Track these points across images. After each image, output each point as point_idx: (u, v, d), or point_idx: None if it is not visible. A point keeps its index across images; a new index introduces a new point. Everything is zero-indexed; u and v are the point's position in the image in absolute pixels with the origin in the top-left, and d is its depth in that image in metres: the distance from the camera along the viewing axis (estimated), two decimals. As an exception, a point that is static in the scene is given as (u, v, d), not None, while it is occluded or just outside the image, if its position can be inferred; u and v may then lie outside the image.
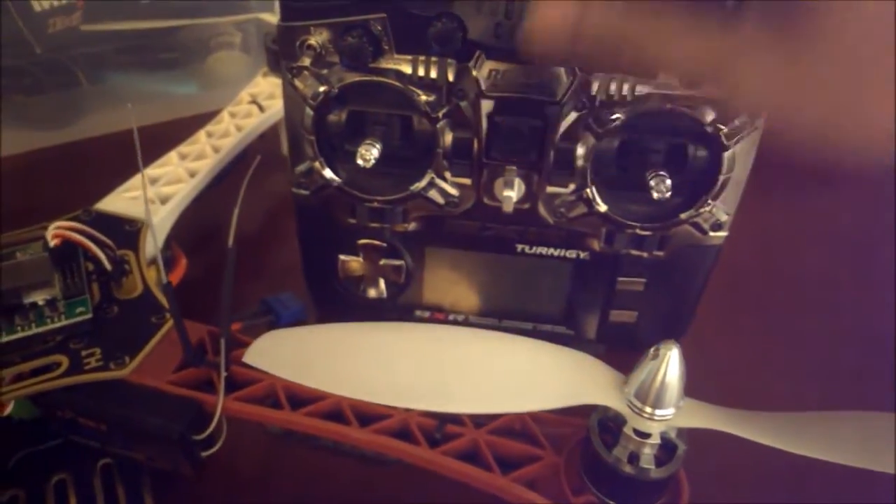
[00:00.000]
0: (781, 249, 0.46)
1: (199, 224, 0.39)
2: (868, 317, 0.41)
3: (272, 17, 0.46)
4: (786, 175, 0.52)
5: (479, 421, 0.27)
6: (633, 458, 0.23)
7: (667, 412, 0.22)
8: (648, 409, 0.22)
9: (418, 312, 0.37)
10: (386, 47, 0.28)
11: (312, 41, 0.28)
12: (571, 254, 0.33)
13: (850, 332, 0.40)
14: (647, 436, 0.22)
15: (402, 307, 0.36)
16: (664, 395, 0.22)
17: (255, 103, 0.43)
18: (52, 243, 0.30)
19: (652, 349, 0.21)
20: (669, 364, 0.21)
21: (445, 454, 0.26)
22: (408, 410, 0.27)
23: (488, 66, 0.27)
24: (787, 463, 0.23)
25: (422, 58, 0.28)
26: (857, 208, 0.50)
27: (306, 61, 0.28)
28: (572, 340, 0.31)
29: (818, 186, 0.52)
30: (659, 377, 0.21)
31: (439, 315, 0.37)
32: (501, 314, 0.37)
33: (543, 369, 0.23)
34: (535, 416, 0.27)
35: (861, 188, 0.52)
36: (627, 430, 0.22)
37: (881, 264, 0.45)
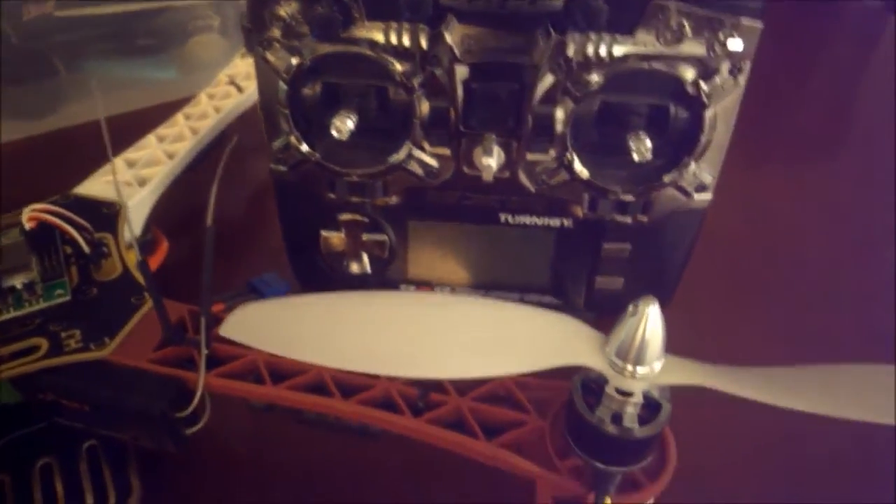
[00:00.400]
0: (782, 243, 0.45)
1: (180, 207, 0.39)
2: (868, 313, 0.40)
3: (250, -1, 0.45)
4: (784, 165, 0.52)
5: (463, 388, 0.27)
6: (617, 418, 0.22)
7: (648, 369, 0.22)
8: (630, 367, 0.22)
9: (403, 287, 0.37)
10: (356, 15, 0.27)
11: (281, 12, 0.27)
12: (555, 222, 0.33)
13: (852, 327, 0.39)
14: (630, 395, 0.22)
15: (386, 282, 0.36)
16: (645, 353, 0.21)
17: (234, 84, 0.43)
18: (28, 226, 0.30)
19: (630, 306, 0.21)
20: (649, 320, 0.21)
21: (430, 422, 0.26)
22: (390, 380, 0.27)
23: (460, 30, 0.27)
24: (780, 421, 0.22)
25: (394, 24, 0.27)
26: (857, 204, 0.49)
27: (276, 33, 0.28)
28: (560, 309, 0.31)
29: (817, 179, 0.51)
30: (639, 334, 0.21)
31: (425, 289, 0.36)
32: (488, 286, 0.36)
33: (522, 332, 0.23)
34: (519, 382, 0.27)
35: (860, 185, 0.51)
36: (609, 389, 0.22)
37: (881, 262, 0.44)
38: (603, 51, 0.27)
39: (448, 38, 0.27)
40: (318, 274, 0.36)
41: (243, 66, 0.44)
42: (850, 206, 0.48)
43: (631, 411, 0.22)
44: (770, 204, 0.47)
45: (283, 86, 0.29)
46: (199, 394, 0.26)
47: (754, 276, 0.42)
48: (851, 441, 0.31)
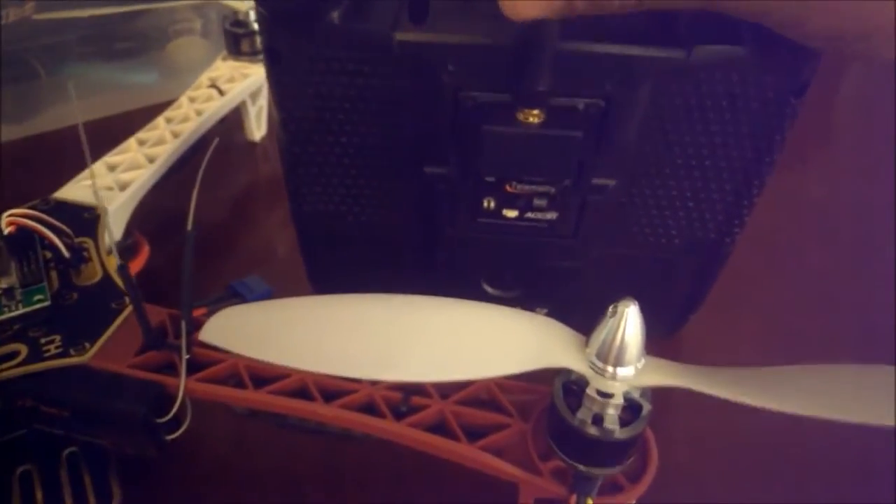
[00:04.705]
0: (781, 246, 0.45)
1: (161, 211, 0.39)
2: (868, 316, 0.40)
3: (232, 2, 0.45)
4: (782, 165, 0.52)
5: (445, 392, 0.27)
6: (598, 420, 0.22)
7: (628, 370, 0.22)
8: (610, 369, 0.22)
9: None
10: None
11: None
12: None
13: (851, 331, 0.39)
14: (610, 396, 0.22)
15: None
16: (624, 354, 0.21)
17: (215, 87, 0.42)
18: (7, 231, 0.29)
19: (610, 307, 0.21)
20: (628, 321, 0.21)
21: (412, 426, 0.26)
22: (373, 384, 0.27)
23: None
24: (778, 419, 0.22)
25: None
26: (856, 204, 0.49)
27: None
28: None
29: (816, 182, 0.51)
30: (619, 335, 0.21)
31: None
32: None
33: (503, 334, 0.23)
34: (502, 385, 0.27)
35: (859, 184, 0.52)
36: (590, 391, 0.22)
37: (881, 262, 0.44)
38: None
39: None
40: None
41: (225, 69, 0.44)
42: (849, 207, 0.48)
43: (612, 413, 0.22)
44: (769, 203, 0.47)
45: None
46: (179, 398, 0.26)
47: (753, 277, 0.42)
48: (851, 438, 0.31)
